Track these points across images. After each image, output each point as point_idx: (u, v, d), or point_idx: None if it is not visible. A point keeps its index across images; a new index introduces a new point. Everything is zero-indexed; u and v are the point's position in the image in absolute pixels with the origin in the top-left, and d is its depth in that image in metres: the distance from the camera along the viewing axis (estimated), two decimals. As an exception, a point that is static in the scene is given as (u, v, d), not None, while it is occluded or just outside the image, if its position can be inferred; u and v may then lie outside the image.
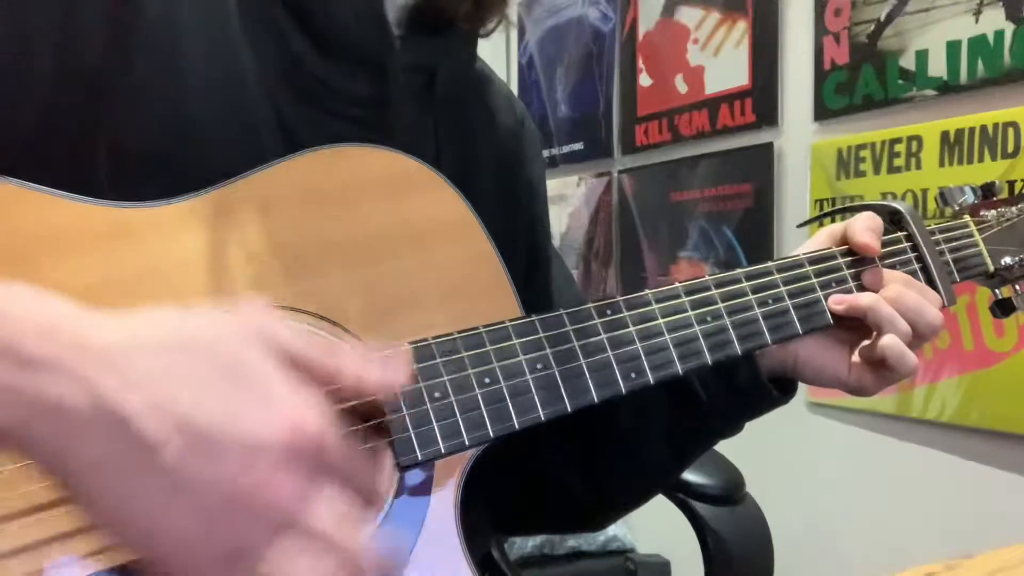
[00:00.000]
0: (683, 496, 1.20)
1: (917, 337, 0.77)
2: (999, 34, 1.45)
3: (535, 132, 0.91)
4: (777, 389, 0.80)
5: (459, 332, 0.62)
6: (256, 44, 0.67)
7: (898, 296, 0.77)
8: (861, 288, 0.78)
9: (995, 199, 0.90)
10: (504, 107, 0.87)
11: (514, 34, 2.76)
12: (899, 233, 0.83)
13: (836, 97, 1.74)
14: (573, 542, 2.22)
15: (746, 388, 0.80)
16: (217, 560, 0.45)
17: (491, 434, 0.62)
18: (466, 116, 0.81)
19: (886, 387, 0.79)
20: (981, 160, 1.47)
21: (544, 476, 0.85)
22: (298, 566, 0.46)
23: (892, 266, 0.81)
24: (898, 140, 1.61)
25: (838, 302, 0.77)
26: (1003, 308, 0.88)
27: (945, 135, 1.53)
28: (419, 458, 0.59)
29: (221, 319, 0.48)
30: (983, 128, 1.47)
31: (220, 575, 0.45)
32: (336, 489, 0.47)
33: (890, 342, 0.75)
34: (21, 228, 0.54)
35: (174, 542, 0.44)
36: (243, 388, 0.46)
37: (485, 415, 0.61)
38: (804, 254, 0.79)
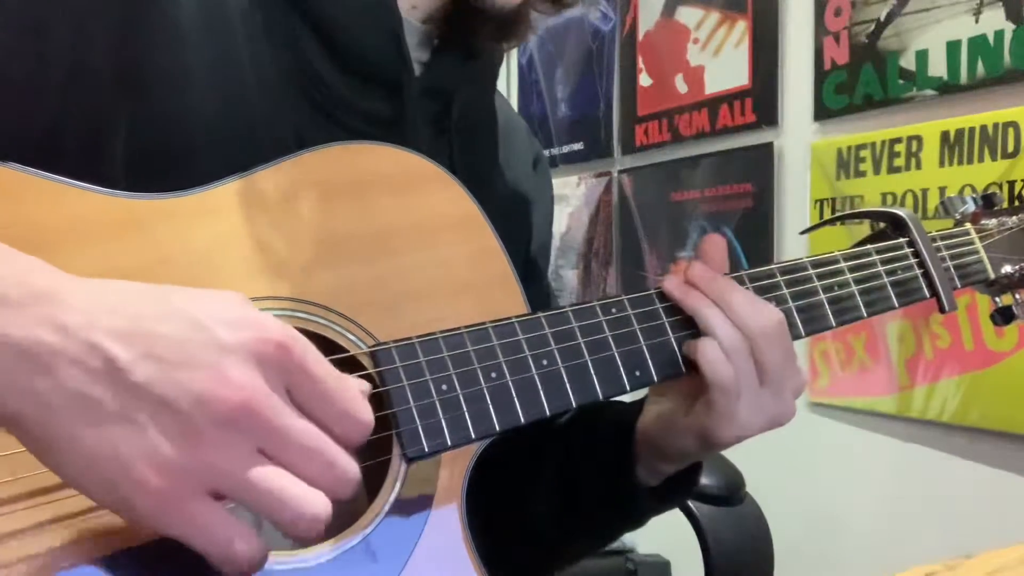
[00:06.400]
0: (683, 496, 1.21)
1: (750, 339, 0.69)
2: (999, 34, 1.45)
3: (548, 171, 0.93)
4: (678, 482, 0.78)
5: (466, 327, 0.63)
6: (267, 50, 0.67)
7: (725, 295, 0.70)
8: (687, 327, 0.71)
9: (996, 208, 0.91)
10: (521, 144, 0.89)
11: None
12: (901, 239, 0.83)
13: (836, 97, 1.74)
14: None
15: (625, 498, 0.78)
16: (198, 479, 0.45)
17: (497, 428, 0.62)
18: (480, 145, 0.82)
19: (717, 417, 0.69)
20: (981, 160, 1.48)
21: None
22: (276, 476, 0.46)
23: (894, 271, 0.81)
24: (898, 140, 1.61)
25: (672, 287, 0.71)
26: (1004, 316, 0.89)
27: (945, 135, 1.53)
28: (426, 450, 0.60)
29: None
30: (983, 128, 1.47)
31: (202, 494, 0.45)
32: (309, 397, 0.48)
33: (704, 344, 0.68)
34: (40, 218, 0.54)
35: (155, 467, 0.44)
36: (209, 308, 0.47)
37: (491, 409, 0.62)
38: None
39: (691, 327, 0.71)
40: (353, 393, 0.49)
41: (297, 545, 0.61)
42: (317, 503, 0.47)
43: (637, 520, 0.80)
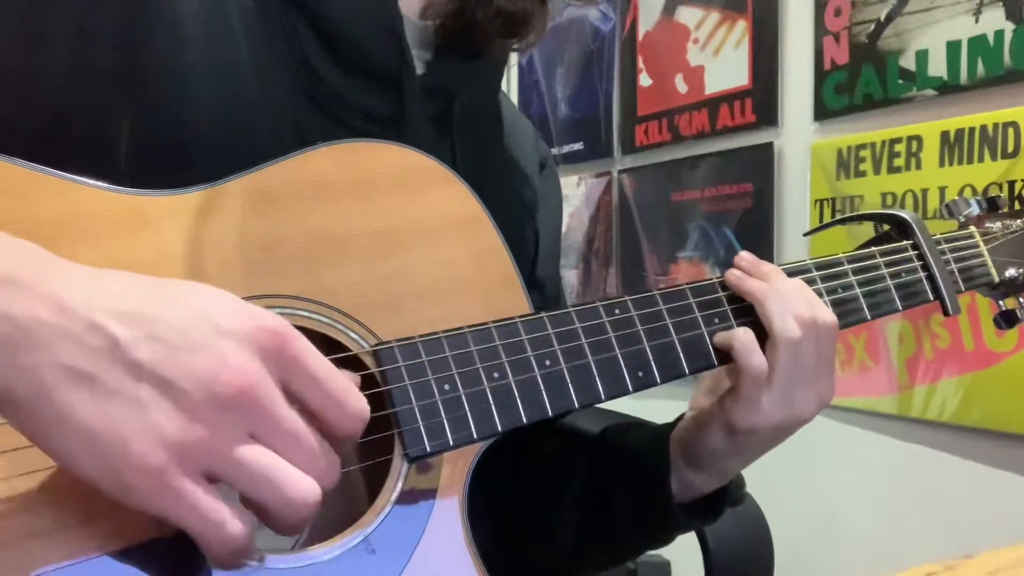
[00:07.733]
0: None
1: (802, 323, 0.71)
2: (999, 34, 1.45)
3: (556, 176, 0.93)
4: (706, 506, 0.79)
5: (469, 327, 0.63)
6: (267, 48, 0.67)
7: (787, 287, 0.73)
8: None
9: (1000, 211, 0.91)
10: (527, 146, 0.88)
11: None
12: (905, 242, 0.83)
13: (836, 97, 1.74)
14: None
15: (656, 510, 0.78)
16: (195, 458, 0.45)
17: (499, 428, 0.62)
18: (484, 146, 0.81)
19: (744, 403, 0.72)
20: (981, 160, 1.48)
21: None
22: (269, 457, 0.47)
23: (897, 274, 0.82)
24: (898, 140, 1.62)
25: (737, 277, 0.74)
26: (1007, 320, 0.89)
27: (945, 135, 1.53)
28: (428, 449, 0.60)
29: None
30: (983, 128, 1.47)
31: (197, 475, 0.45)
32: (304, 387, 0.48)
33: (741, 332, 0.71)
34: (42, 213, 0.54)
35: (155, 444, 0.44)
36: (207, 298, 0.48)
37: (494, 409, 0.62)
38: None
39: (693, 328, 0.71)
40: (347, 384, 0.50)
41: (296, 545, 0.61)
42: (307, 486, 0.47)
43: (663, 536, 0.80)
